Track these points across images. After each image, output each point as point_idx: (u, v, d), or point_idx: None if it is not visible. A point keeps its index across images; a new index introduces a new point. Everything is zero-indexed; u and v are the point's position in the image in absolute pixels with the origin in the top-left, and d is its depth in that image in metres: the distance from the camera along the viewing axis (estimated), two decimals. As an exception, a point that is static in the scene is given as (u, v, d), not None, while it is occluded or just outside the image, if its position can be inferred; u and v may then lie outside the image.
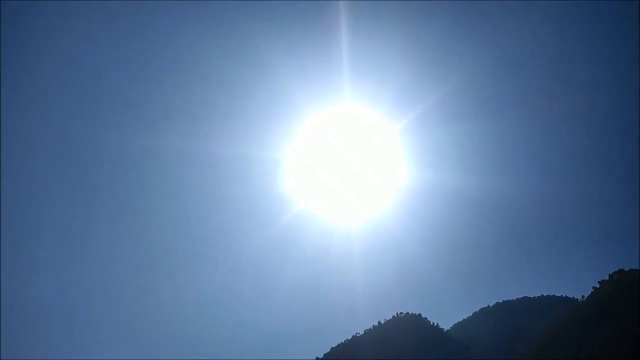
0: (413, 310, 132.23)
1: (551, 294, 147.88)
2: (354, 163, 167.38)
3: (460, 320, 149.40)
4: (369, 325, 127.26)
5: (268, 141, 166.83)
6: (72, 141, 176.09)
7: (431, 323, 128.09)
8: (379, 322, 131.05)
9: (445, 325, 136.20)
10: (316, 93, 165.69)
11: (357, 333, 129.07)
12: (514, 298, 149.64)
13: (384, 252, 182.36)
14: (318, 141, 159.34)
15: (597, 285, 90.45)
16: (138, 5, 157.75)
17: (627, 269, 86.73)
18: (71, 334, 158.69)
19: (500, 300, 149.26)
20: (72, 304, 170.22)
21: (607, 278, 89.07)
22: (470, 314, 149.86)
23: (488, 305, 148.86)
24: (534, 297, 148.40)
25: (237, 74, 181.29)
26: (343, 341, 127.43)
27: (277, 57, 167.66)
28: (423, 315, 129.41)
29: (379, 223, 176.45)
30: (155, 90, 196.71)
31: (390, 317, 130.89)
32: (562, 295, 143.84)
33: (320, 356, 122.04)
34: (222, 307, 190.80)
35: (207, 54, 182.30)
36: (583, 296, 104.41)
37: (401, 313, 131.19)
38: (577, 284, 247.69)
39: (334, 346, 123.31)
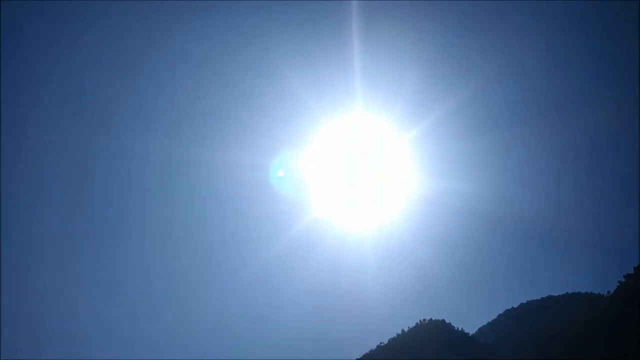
0: (434, 316, 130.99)
1: (576, 291, 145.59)
2: (367, 171, 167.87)
3: (484, 324, 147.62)
4: (388, 333, 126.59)
5: (282, 150, 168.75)
6: (82, 144, 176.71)
7: (456, 328, 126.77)
8: (402, 330, 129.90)
9: (470, 329, 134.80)
10: (329, 102, 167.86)
11: (381, 342, 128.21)
12: (538, 298, 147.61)
13: (398, 257, 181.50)
14: (331, 150, 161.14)
15: (622, 279, 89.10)
16: (144, 6, 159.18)
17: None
18: (73, 335, 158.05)
19: (525, 301, 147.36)
20: (81, 307, 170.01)
21: (632, 272, 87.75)
22: (495, 317, 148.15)
23: (512, 307, 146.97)
24: (559, 295, 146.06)
25: (251, 83, 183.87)
26: (368, 351, 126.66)
27: (290, 66, 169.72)
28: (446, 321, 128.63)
29: (393, 229, 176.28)
30: (170, 97, 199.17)
31: (414, 325, 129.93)
32: (586, 292, 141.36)
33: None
34: (238, 313, 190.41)
35: (219, 62, 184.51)
36: (609, 291, 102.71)
37: (424, 320, 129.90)
38: (600, 280, 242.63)
39: (359, 357, 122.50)
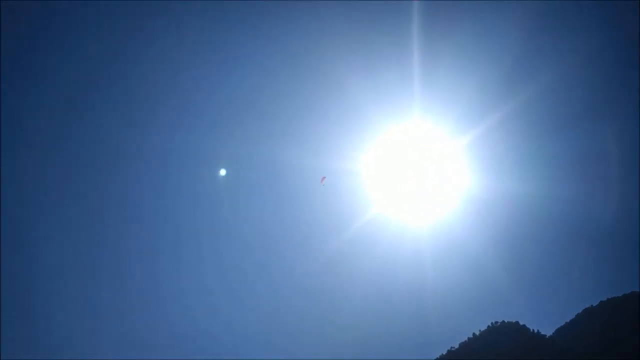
0: (503, 318, 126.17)
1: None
2: (424, 172, 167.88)
3: (562, 325, 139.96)
4: (455, 335, 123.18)
5: (344, 153, 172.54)
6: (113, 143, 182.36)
7: (531, 330, 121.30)
8: (474, 333, 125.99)
9: (546, 331, 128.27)
10: (387, 106, 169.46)
11: (452, 347, 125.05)
12: (620, 294, 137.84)
13: (461, 258, 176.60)
14: (390, 153, 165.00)
15: None
16: (177, 5, 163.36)
17: None
18: (78, 335, 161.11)
19: (605, 299, 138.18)
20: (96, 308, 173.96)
21: None
22: (573, 316, 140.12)
23: (592, 305, 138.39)
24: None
25: (308, 84, 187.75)
26: (439, 356, 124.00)
27: (351, 74, 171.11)
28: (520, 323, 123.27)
29: (455, 230, 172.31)
30: (235, 100, 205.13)
31: (485, 327, 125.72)
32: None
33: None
34: (301, 307, 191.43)
35: (277, 67, 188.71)
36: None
37: (497, 322, 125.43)
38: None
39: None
